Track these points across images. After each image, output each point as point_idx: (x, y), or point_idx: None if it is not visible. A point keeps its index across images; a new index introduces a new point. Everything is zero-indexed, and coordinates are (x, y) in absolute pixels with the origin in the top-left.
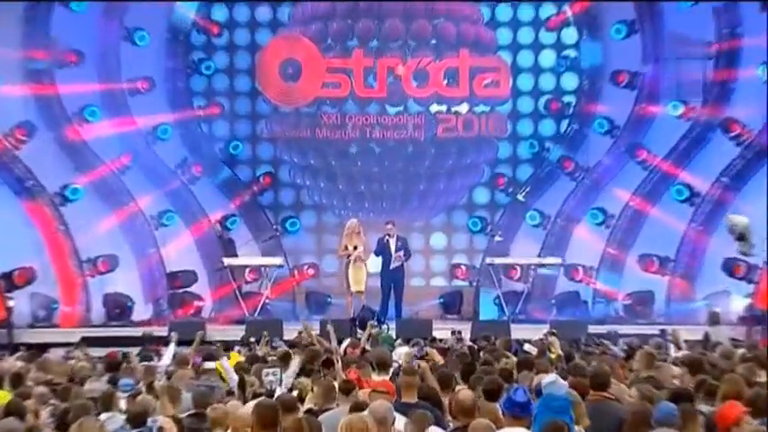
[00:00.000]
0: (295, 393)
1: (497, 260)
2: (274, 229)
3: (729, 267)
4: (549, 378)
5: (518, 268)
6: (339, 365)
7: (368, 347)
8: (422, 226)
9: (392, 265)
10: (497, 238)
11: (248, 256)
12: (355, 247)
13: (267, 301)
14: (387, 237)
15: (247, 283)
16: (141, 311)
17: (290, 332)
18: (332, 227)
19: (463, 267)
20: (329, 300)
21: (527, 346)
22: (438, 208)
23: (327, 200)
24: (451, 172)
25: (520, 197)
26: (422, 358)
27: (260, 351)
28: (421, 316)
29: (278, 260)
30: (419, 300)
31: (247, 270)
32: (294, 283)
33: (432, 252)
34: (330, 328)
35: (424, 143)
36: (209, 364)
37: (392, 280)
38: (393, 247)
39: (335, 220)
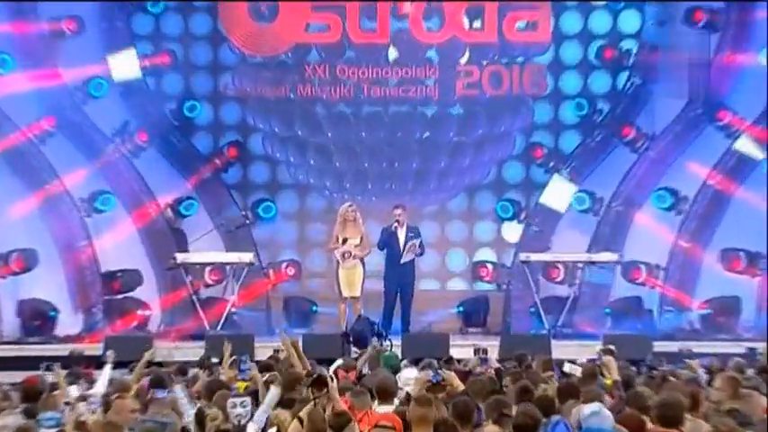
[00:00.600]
0: (272, 431)
1: (534, 256)
2: (243, 215)
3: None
4: (590, 408)
5: (561, 267)
6: (334, 385)
7: (365, 371)
8: (435, 211)
9: (404, 259)
10: (534, 228)
11: (209, 251)
12: (345, 240)
13: (234, 309)
14: (395, 225)
15: (208, 286)
16: (68, 323)
17: (265, 350)
18: (318, 213)
19: (489, 266)
20: (315, 308)
21: (567, 367)
22: (456, 188)
23: (315, 179)
24: (480, 143)
25: (563, 174)
26: (436, 385)
27: (224, 375)
28: (434, 329)
29: (247, 256)
30: (432, 308)
31: (208, 269)
32: (269, 287)
33: (448, 246)
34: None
35: (441, 104)
36: (160, 393)
37: (399, 282)
38: (403, 239)
39: (323, 204)
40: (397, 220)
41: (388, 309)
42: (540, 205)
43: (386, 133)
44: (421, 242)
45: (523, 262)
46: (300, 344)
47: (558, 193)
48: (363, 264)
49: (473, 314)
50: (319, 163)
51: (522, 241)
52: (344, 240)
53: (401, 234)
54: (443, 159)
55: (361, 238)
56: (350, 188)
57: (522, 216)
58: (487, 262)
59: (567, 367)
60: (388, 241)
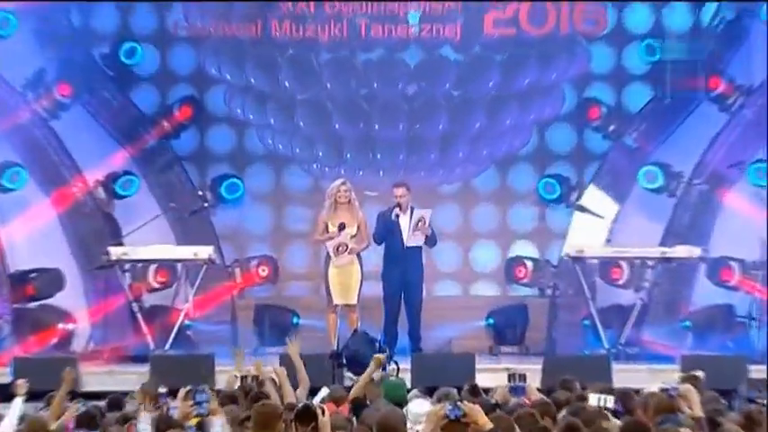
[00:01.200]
0: None
1: (589, 250)
2: (200, 196)
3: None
4: None
5: (625, 265)
6: (326, 419)
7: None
8: (455, 192)
9: (409, 242)
10: (589, 213)
11: (154, 244)
12: (342, 227)
13: (188, 321)
14: (396, 210)
15: (153, 290)
16: None
17: (229, 375)
18: (300, 193)
19: (528, 264)
20: (296, 320)
21: (595, 398)
22: (487, 160)
23: (302, 147)
24: (515, 99)
25: (628, 140)
26: (455, 422)
27: (177, 410)
28: (455, 348)
29: (206, 251)
30: (452, 320)
31: (153, 269)
32: (235, 292)
33: (474, 237)
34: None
35: (464, 47)
36: None
37: (403, 281)
38: (406, 228)
39: (307, 182)
40: (399, 204)
41: (390, 319)
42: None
43: (399, 86)
44: (433, 233)
45: (574, 258)
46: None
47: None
48: (360, 261)
49: (506, 328)
50: (309, 126)
51: (573, 231)
52: (341, 227)
53: (404, 222)
54: (479, 119)
55: (358, 227)
56: (351, 159)
57: (573, 198)
58: (526, 258)
59: (594, 399)
60: (386, 231)
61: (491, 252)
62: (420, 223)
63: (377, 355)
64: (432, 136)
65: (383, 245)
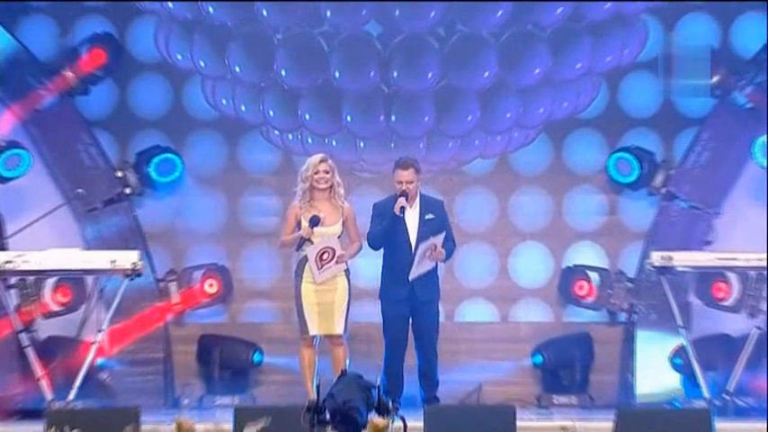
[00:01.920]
0: None
1: (681, 257)
2: (119, 179)
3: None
4: None
5: (733, 280)
6: None
7: None
8: (487, 172)
9: (415, 272)
10: (682, 204)
11: (51, 248)
12: (315, 222)
13: (102, 360)
14: (401, 201)
15: (51, 314)
16: None
17: None
18: (266, 174)
19: (592, 277)
20: (256, 357)
21: None
22: (532, 122)
23: (273, 109)
24: (594, 31)
25: (739, 98)
26: None
27: None
28: (487, 397)
29: (128, 258)
30: (483, 357)
31: (50, 284)
32: (170, 316)
33: (514, 237)
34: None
35: None
36: None
37: (413, 303)
38: (415, 228)
39: (275, 158)
40: (404, 192)
41: (393, 355)
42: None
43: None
44: (449, 236)
45: (660, 269)
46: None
47: None
48: (348, 273)
49: (561, 369)
50: (294, 76)
51: (659, 229)
52: (314, 221)
53: (411, 217)
54: (535, 59)
55: (344, 224)
56: (350, 123)
57: (659, 180)
58: (589, 269)
59: None
60: (386, 230)
61: (539, 259)
62: (430, 251)
63: (375, 420)
64: (466, 86)
65: (381, 250)
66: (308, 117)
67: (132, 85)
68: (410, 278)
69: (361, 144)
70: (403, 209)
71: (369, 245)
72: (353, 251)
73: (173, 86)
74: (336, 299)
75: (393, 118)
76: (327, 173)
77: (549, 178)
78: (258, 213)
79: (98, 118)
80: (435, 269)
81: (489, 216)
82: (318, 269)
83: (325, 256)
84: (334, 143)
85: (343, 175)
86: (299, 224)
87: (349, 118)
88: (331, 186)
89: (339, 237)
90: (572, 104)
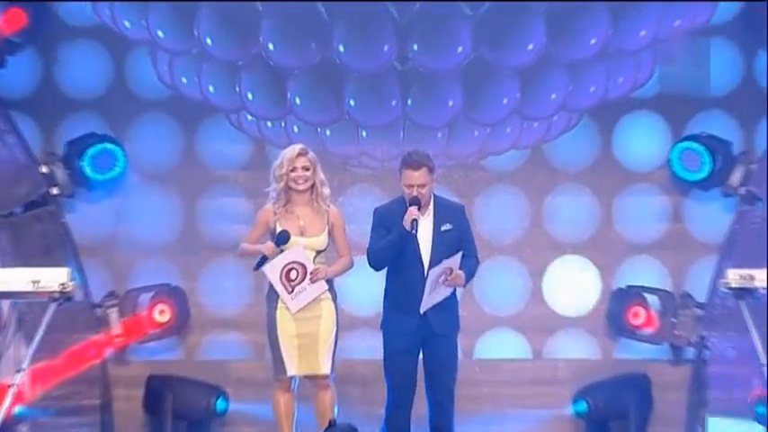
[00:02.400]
0: None
1: (764, 277)
2: (43, 175)
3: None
4: None
5: None
6: None
7: None
8: (516, 166)
9: (426, 303)
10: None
11: None
12: (282, 239)
13: (20, 407)
14: (412, 211)
15: None
16: None
17: None
18: (232, 170)
19: (651, 301)
20: (220, 405)
21: None
22: (574, 102)
23: (251, 92)
24: None
25: None
26: None
27: None
28: None
29: (55, 277)
30: (512, 403)
31: None
32: (108, 351)
33: (550, 251)
34: None
35: None
36: None
37: (424, 335)
38: (428, 242)
39: (245, 149)
40: (415, 198)
41: (399, 404)
42: None
43: None
44: (469, 252)
45: (737, 291)
46: None
47: None
48: (334, 294)
49: (611, 419)
50: (280, 51)
51: (736, 241)
52: (279, 239)
53: (424, 228)
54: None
55: (331, 233)
56: (354, 109)
57: (736, 178)
58: (646, 291)
59: None
60: (392, 246)
61: (582, 279)
62: (444, 277)
63: None
64: (503, 62)
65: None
66: (298, 101)
67: (62, 56)
68: (421, 310)
69: (364, 134)
70: (415, 222)
71: (369, 263)
72: (341, 268)
73: (114, 58)
74: (321, 329)
75: (409, 102)
76: (307, 170)
77: (595, 174)
78: (222, 219)
79: (17, 97)
80: (453, 294)
81: (518, 223)
82: (289, 293)
83: (292, 274)
84: (327, 133)
85: (333, 171)
86: (270, 234)
87: (353, 102)
88: (313, 186)
89: (323, 251)
90: (629, 80)
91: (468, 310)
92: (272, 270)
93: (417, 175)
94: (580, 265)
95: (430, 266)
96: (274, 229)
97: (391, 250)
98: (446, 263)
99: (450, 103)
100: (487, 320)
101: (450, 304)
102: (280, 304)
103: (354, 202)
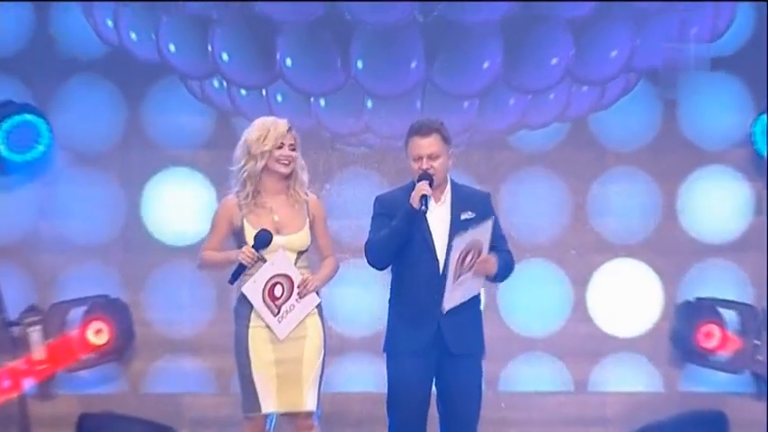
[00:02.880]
0: None
1: None
2: None
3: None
4: None
5: None
6: None
7: None
8: (555, 145)
9: (449, 299)
10: None
11: None
12: (264, 239)
13: None
14: (424, 191)
15: None
16: None
17: None
18: (190, 150)
19: (729, 318)
20: None
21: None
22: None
23: (226, 56)
24: None
25: None
26: None
27: None
28: None
29: None
30: None
31: None
32: (27, 382)
33: (597, 254)
34: None
35: None
36: None
37: (440, 358)
38: (442, 235)
39: (209, 124)
40: (425, 173)
41: None
42: None
43: None
44: (500, 246)
45: None
46: None
47: None
48: (321, 308)
49: None
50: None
51: None
52: (260, 241)
53: (439, 216)
54: None
55: (312, 228)
56: (362, 72)
57: None
58: (723, 304)
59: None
60: (398, 235)
61: (638, 288)
62: (471, 256)
63: None
64: (553, 12)
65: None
66: (289, 62)
67: None
68: (444, 308)
69: (369, 104)
70: (425, 200)
71: (368, 261)
72: (329, 272)
73: (36, 6)
74: (306, 354)
75: (434, 64)
76: (294, 149)
77: (655, 155)
78: (176, 212)
79: None
80: (478, 301)
81: (555, 218)
82: (275, 315)
83: (277, 290)
84: (322, 103)
85: (318, 151)
86: (236, 234)
87: (360, 64)
88: (292, 172)
89: (304, 252)
90: (705, 30)
91: (491, 329)
92: (254, 291)
93: (427, 144)
94: (635, 272)
95: (446, 266)
96: (241, 228)
97: (396, 239)
98: (473, 232)
99: (486, 64)
100: (516, 343)
101: (472, 315)
102: (253, 322)
103: (344, 190)
